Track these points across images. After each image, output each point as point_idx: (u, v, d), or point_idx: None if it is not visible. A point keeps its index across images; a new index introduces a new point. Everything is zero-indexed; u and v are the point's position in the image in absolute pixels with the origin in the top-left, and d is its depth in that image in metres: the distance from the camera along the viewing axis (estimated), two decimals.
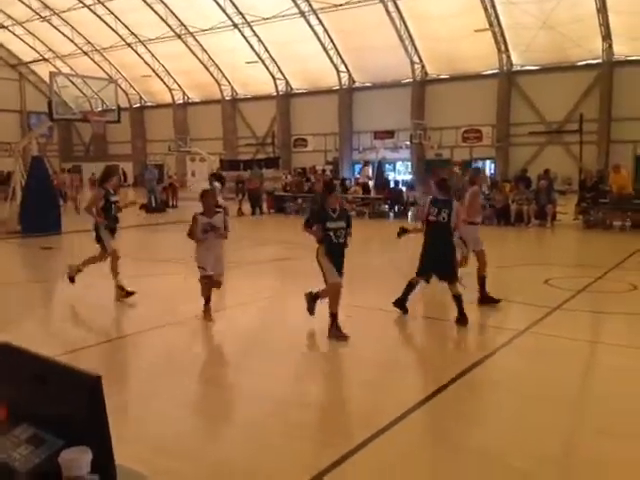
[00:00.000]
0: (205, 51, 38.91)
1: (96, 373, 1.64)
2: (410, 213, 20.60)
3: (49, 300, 9.02)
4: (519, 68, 31.03)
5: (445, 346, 6.35)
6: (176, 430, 4.10)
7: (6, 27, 42.70)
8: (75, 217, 20.34)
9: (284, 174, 27.70)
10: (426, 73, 33.60)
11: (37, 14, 39.84)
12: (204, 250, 6.73)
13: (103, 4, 37.16)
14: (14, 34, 43.65)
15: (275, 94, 39.11)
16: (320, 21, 33.00)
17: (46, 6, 38.97)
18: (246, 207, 21.72)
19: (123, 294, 7.97)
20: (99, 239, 8.19)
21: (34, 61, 46.04)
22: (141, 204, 23.51)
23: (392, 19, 30.63)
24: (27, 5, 39.14)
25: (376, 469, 3.57)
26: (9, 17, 41.51)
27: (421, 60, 33.09)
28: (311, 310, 6.64)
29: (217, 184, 15.77)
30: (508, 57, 30.65)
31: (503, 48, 30.25)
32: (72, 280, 8.31)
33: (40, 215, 14.76)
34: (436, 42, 30.72)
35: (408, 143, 30.93)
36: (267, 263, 11.27)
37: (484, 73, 31.42)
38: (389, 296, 7.18)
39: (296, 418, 4.32)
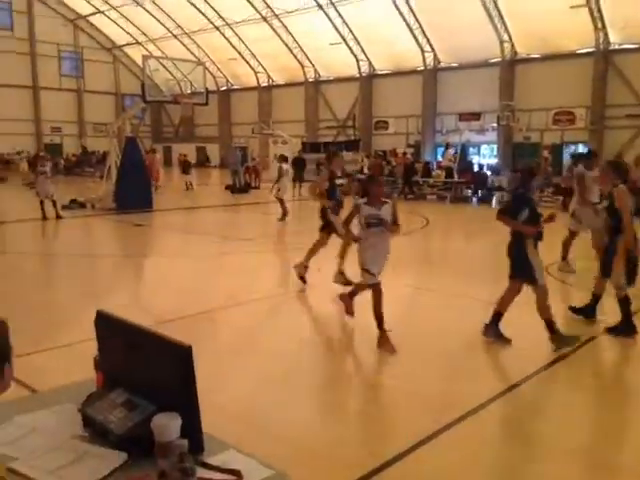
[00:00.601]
0: (290, 33, 39.13)
1: (187, 343, 1.69)
2: (494, 198, 19.98)
3: (141, 273, 9.47)
4: (617, 47, 29.01)
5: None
6: (258, 404, 4.21)
7: (102, 12, 44.91)
8: (165, 195, 21.22)
9: (361, 157, 27.50)
10: (515, 52, 32.13)
11: None
12: (369, 248, 5.40)
13: None
14: (109, 18, 45.80)
15: (358, 75, 38.79)
16: (406, 0, 32.31)
17: None
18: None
19: (343, 280, 7.33)
20: (326, 224, 7.49)
21: (127, 44, 48.12)
22: (226, 185, 24.26)
23: None
24: None
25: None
26: (105, 2, 43.61)
27: (511, 39, 31.66)
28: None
29: (285, 165, 15.85)
30: (605, 35, 28.72)
31: (600, 25, 28.35)
32: (304, 280, 7.61)
33: (133, 193, 15.49)
34: (527, 20, 29.27)
35: (495, 125, 29.85)
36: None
37: (578, 52, 29.62)
38: None
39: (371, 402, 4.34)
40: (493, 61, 32.45)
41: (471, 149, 32.95)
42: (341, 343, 5.62)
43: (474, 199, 19.93)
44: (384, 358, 5.16)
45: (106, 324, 1.95)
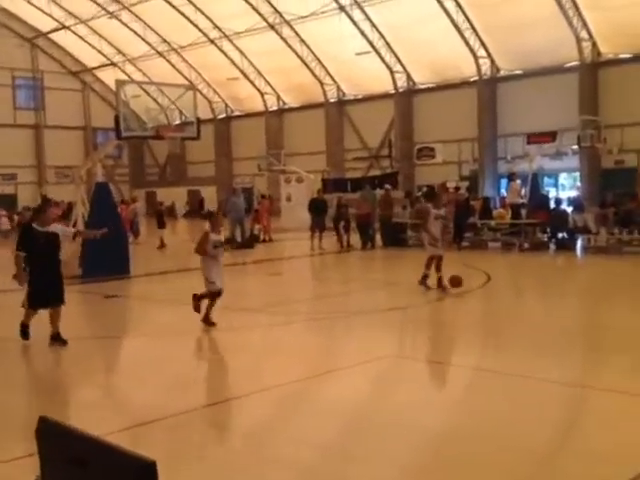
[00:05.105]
0: (304, 43, 40.28)
1: (150, 458, 1.72)
2: (579, 243, 19.81)
3: (115, 360, 9.54)
4: None
5: None
6: None
7: (67, 27, 46.79)
8: (143, 254, 21.53)
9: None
10: (599, 53, 32.53)
11: (103, 9, 43.25)
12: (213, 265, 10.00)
13: None
14: (77, 35, 47.80)
15: (393, 92, 39.53)
16: None
17: None
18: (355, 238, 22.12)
19: None
20: None
21: (100, 66, 50.07)
22: (226, 239, 24.53)
23: None
24: None
25: None
26: (71, 15, 45.47)
27: (591, 36, 32.11)
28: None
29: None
30: None
31: None
32: None
33: (104, 256, 15.64)
34: (612, 11, 29.70)
35: (575, 147, 29.90)
36: (378, 313, 11.29)
37: None
38: None
39: None
40: (569, 65, 32.83)
41: (546, 179, 32.93)
42: (367, 449, 5.56)
43: (551, 245, 19.77)
44: (430, 469, 5.10)
45: (47, 433, 2.00)
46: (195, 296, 10.20)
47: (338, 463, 5.28)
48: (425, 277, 12.69)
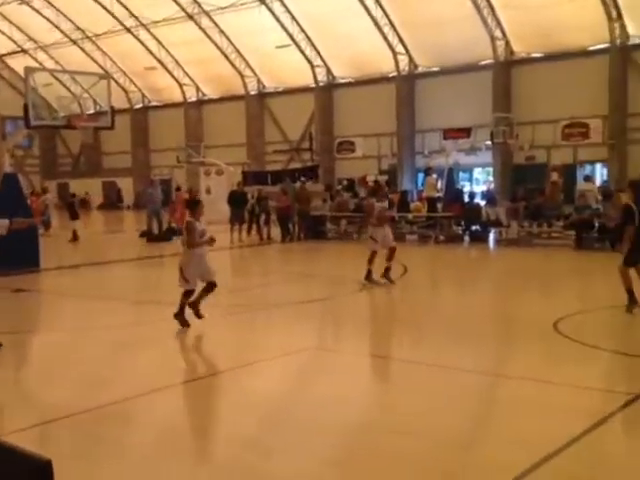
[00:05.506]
0: (224, 34, 39.95)
1: (45, 457, 1.64)
2: (491, 236, 20.40)
3: (24, 356, 9.21)
4: (637, 41, 30.54)
5: None
6: None
7: None
8: (60, 249, 20.97)
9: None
10: (512, 51, 33.51)
11: None
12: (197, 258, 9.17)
13: None
14: None
15: (313, 85, 39.70)
16: None
17: None
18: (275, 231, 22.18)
19: None
20: None
21: (10, 53, 48.28)
22: (141, 231, 24.09)
23: None
24: None
25: None
26: None
27: (505, 35, 33.06)
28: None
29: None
30: (622, 27, 30.23)
31: (615, 15, 29.88)
32: None
33: (13, 248, 15.07)
34: (525, 11, 30.61)
35: (488, 143, 30.78)
36: (299, 305, 11.31)
37: (591, 49, 31.07)
38: None
39: None
40: (484, 63, 33.71)
41: (461, 174, 33.73)
42: (279, 438, 5.55)
43: (466, 238, 20.34)
44: (350, 461, 5.11)
45: None
46: (177, 315, 9.27)
47: (258, 456, 5.24)
48: (369, 272, 12.45)
